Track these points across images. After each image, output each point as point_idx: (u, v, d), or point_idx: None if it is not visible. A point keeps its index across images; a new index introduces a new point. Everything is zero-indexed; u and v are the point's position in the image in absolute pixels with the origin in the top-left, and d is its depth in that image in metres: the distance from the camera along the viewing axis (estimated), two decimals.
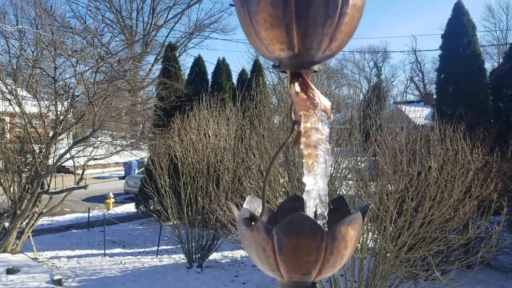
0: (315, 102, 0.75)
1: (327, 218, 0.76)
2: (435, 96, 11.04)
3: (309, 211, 0.74)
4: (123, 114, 11.32)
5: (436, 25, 69.00)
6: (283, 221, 0.69)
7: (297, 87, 0.75)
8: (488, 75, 10.05)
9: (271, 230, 0.70)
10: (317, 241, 0.68)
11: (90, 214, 12.28)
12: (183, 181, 8.58)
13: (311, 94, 0.75)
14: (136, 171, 18.95)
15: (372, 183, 6.45)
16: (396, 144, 6.00)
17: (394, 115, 7.87)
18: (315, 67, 0.77)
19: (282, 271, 0.71)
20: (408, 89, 41.76)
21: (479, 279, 7.44)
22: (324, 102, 0.76)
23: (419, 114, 13.66)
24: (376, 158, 6.50)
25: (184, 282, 7.73)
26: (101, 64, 9.24)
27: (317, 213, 0.75)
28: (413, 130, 7.38)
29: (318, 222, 0.71)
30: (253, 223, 0.71)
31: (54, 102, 9.44)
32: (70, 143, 9.85)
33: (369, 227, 6.19)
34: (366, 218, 0.76)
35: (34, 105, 10.11)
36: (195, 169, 8.60)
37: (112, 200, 14.42)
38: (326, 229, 0.71)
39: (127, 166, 20.37)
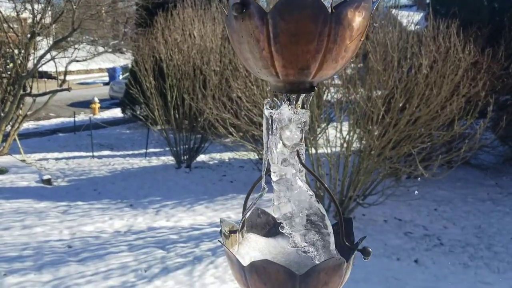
0: None
1: None
2: None
3: None
4: (103, 12, 10.75)
5: None
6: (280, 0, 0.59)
7: None
8: None
9: (266, 14, 0.59)
10: (319, 25, 0.58)
11: (76, 119, 12.17)
12: (169, 83, 8.40)
13: None
14: (121, 77, 18.51)
15: (360, 82, 6.35)
16: (388, 41, 5.83)
17: (388, 15, 7.57)
18: None
19: (277, 66, 0.62)
20: None
21: (459, 176, 7.70)
22: None
23: (411, 19, 13.25)
24: (367, 57, 6.33)
25: (173, 181, 7.88)
26: None
27: None
28: (406, 29, 7.15)
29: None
30: (244, 10, 0.61)
31: None
32: (50, 44, 9.47)
33: (355, 127, 6.23)
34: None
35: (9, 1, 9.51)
36: (181, 71, 8.38)
37: (98, 105, 14.23)
38: None
39: (111, 71, 19.84)
